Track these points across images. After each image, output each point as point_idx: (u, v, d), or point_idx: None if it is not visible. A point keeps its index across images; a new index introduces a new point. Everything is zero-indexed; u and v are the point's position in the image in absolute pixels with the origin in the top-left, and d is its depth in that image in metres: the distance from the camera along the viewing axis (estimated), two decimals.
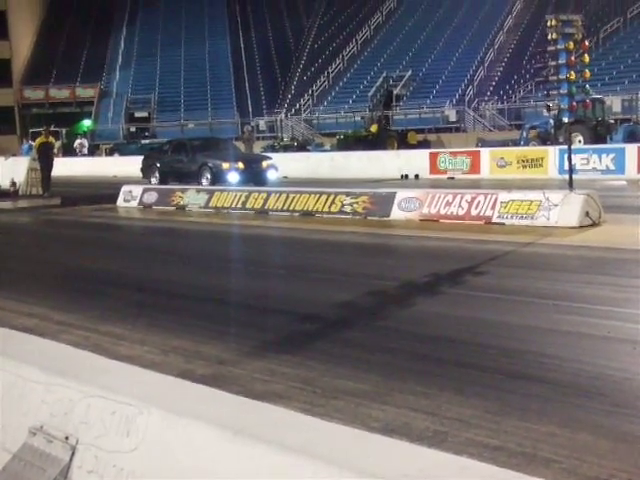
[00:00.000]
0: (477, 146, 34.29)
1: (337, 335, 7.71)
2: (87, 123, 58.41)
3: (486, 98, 47.50)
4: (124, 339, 7.84)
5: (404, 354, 6.91)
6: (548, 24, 15.06)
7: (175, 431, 2.82)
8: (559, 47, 14.81)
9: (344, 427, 2.78)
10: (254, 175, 26.09)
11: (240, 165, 25.90)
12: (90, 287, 10.88)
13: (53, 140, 28.70)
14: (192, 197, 20.80)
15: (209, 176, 25.86)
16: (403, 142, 41.84)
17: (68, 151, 49.93)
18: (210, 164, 26.04)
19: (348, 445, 2.54)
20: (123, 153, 48.55)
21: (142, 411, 2.95)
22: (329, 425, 2.89)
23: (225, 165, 25.78)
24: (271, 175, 26.63)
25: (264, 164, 26.85)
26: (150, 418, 2.91)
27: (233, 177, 25.55)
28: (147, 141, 51.30)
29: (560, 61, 14.94)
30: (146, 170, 28.80)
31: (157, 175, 28.00)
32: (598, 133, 29.99)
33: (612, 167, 25.25)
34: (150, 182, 27.41)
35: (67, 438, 3.23)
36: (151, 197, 21.89)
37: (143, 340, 7.75)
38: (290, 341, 7.55)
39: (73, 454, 3.17)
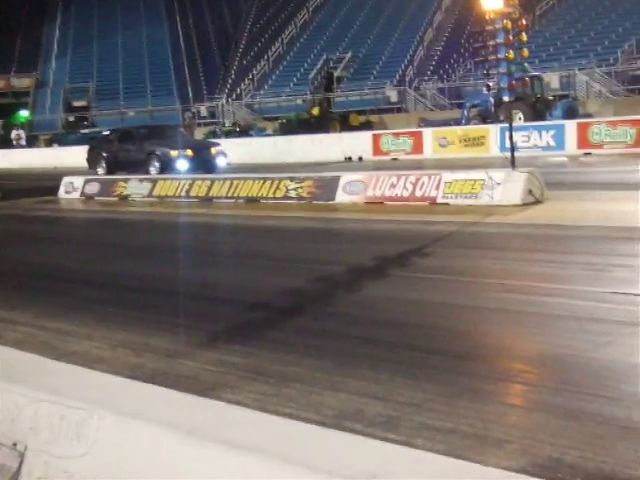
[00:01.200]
0: (419, 126, 34.44)
1: (287, 323, 7.70)
2: (24, 114, 57.38)
3: (426, 78, 47.69)
4: (71, 335, 7.74)
5: (355, 340, 6.92)
6: (485, 4, 15.17)
7: (127, 434, 2.78)
8: (497, 26, 14.92)
9: (299, 424, 2.76)
10: (203, 162, 25.90)
11: (188, 152, 25.69)
12: (34, 282, 10.71)
13: None
14: (135, 187, 20.58)
15: (157, 164, 25.62)
16: (345, 124, 41.81)
17: (5, 143, 49.04)
18: (158, 152, 25.78)
19: (303, 442, 2.52)
20: (62, 143, 47.84)
21: (92, 415, 2.91)
22: (284, 422, 2.87)
23: (173, 153, 25.54)
24: (220, 162, 26.45)
25: (213, 151, 26.68)
26: (101, 422, 2.87)
27: (182, 165, 25.33)
28: (87, 130, 50.59)
29: (498, 40, 15.05)
30: (92, 160, 28.42)
31: (104, 165, 27.66)
32: (537, 110, 30.30)
33: (552, 143, 25.56)
34: (97, 173, 27.04)
35: (15, 445, 3.17)
36: (93, 188, 21.61)
37: (91, 335, 7.66)
38: (240, 330, 7.52)
39: (22, 461, 3.11)
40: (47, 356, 6.95)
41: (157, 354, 6.89)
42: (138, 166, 25.83)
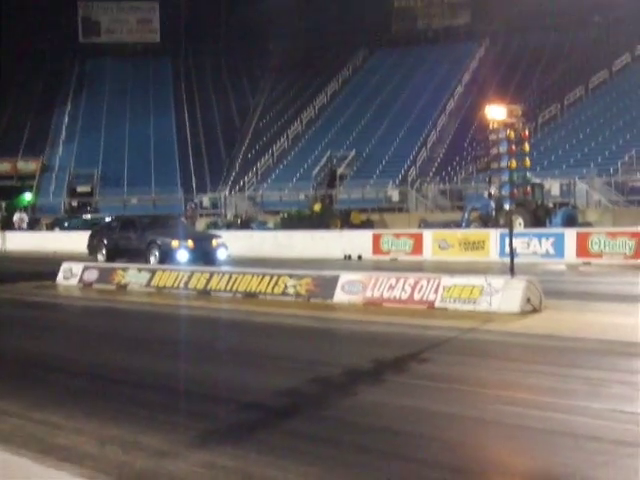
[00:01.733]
0: (420, 227, 34.64)
1: (280, 425, 7.60)
2: (28, 197, 57.80)
3: (428, 179, 48.24)
4: (60, 428, 7.63)
5: (348, 446, 6.82)
6: (489, 114, 15.44)
7: None
8: (500, 136, 15.16)
9: None
10: (204, 254, 25.90)
11: (189, 243, 25.70)
12: (26, 371, 10.59)
13: None
14: (133, 276, 20.55)
15: (157, 254, 25.60)
16: (346, 221, 42.06)
17: (7, 225, 49.25)
18: (159, 242, 25.80)
19: None
20: (64, 228, 48.01)
21: None
22: None
23: (174, 243, 25.56)
24: (221, 254, 26.40)
25: (214, 243, 26.65)
26: None
27: (182, 255, 25.32)
28: (89, 216, 50.85)
29: (501, 149, 15.29)
30: (92, 247, 28.40)
31: (104, 252, 27.60)
32: (538, 217, 30.52)
33: (552, 251, 25.63)
34: (97, 259, 27.01)
35: None
36: (92, 275, 21.57)
37: (80, 429, 7.55)
38: (231, 431, 7.42)
39: None
40: (33, 450, 6.88)
41: (147, 452, 6.79)
42: (138, 255, 25.84)
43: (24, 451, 6.82)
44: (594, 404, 7.78)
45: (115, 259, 26.53)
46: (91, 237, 29.10)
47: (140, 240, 26.30)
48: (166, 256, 25.34)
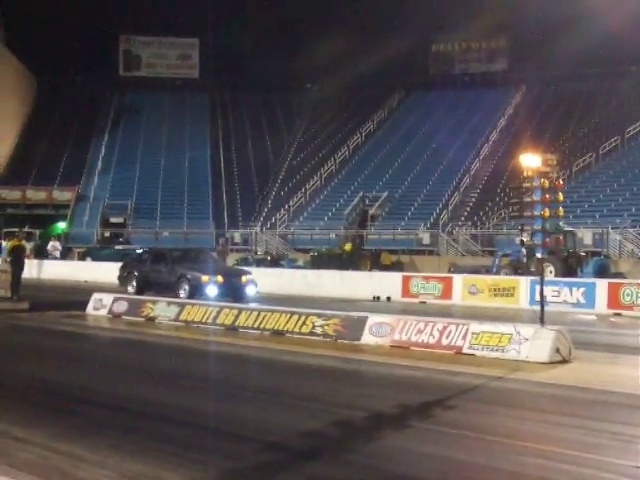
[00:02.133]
0: (450, 271, 34.53)
1: (302, 468, 7.57)
2: (62, 226, 58.35)
3: (460, 223, 48.14)
4: (84, 461, 7.66)
5: None
6: (523, 162, 15.42)
7: None
8: (534, 184, 15.12)
9: None
10: (233, 290, 25.96)
11: (219, 279, 25.78)
12: (52, 402, 10.65)
13: (25, 243, 28.53)
14: (162, 309, 20.62)
15: (187, 288, 25.64)
16: (376, 262, 42.02)
17: (41, 253, 49.70)
18: (189, 276, 25.88)
19: None
20: (96, 258, 48.34)
21: None
22: None
23: (204, 278, 25.63)
24: (250, 290, 26.46)
25: (243, 279, 26.71)
26: None
27: (211, 290, 25.37)
28: (120, 247, 51.18)
29: (535, 198, 15.22)
30: (123, 279, 28.52)
31: (134, 284, 27.70)
32: (569, 265, 30.33)
33: (582, 301, 25.43)
34: (127, 291, 27.12)
35: None
36: (121, 306, 21.69)
37: (103, 463, 7.57)
38: (253, 471, 7.43)
39: None
40: None
41: None
42: (168, 288, 25.94)
43: None
44: (620, 460, 7.68)
45: (145, 291, 26.64)
46: (122, 269, 29.24)
47: (170, 273, 26.41)
48: (196, 290, 25.39)
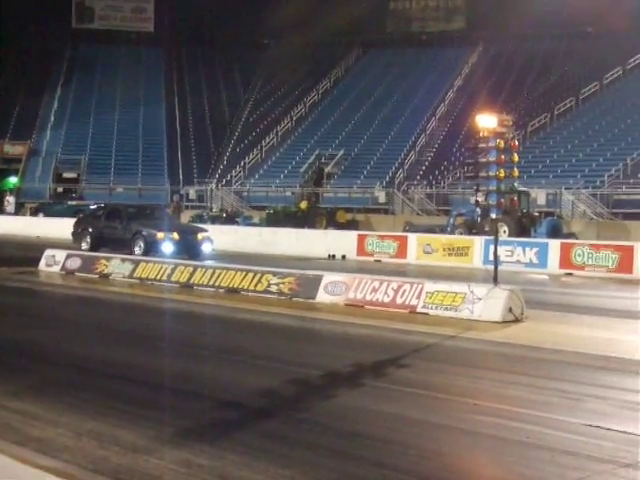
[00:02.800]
0: (405, 230, 34.70)
1: (257, 426, 7.61)
2: (13, 180, 57.47)
3: (415, 182, 48.28)
4: (37, 419, 7.61)
5: (324, 450, 6.83)
6: (479, 123, 15.49)
7: None
8: (489, 145, 15.21)
9: None
10: (188, 247, 25.83)
11: (175, 236, 25.63)
12: (4, 359, 10.54)
13: None
14: (117, 266, 20.48)
15: (142, 245, 25.47)
16: (332, 220, 42.13)
17: None
18: (144, 233, 25.70)
19: None
20: (48, 214, 47.84)
21: None
22: None
23: (159, 235, 25.45)
24: (206, 248, 26.37)
25: (199, 236, 26.59)
26: None
27: (167, 247, 25.25)
28: (74, 203, 50.72)
29: (490, 158, 15.33)
30: (77, 235, 28.14)
31: (88, 240, 27.32)
32: (523, 225, 30.63)
33: (535, 261, 25.72)
34: (81, 247, 26.78)
35: None
36: (74, 263, 21.49)
37: (57, 421, 7.53)
38: (209, 430, 7.43)
39: None
40: (8, 440, 6.86)
41: (124, 448, 6.77)
42: (123, 245, 25.72)
43: None
44: (571, 418, 7.82)
45: (99, 248, 26.30)
46: (76, 224, 28.89)
47: (125, 230, 26.20)
48: (151, 247, 25.25)
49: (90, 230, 27.56)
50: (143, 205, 35.27)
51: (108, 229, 26.98)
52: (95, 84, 69.51)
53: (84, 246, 27.07)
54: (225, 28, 73.79)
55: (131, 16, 79.89)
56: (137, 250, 25.31)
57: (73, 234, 28.52)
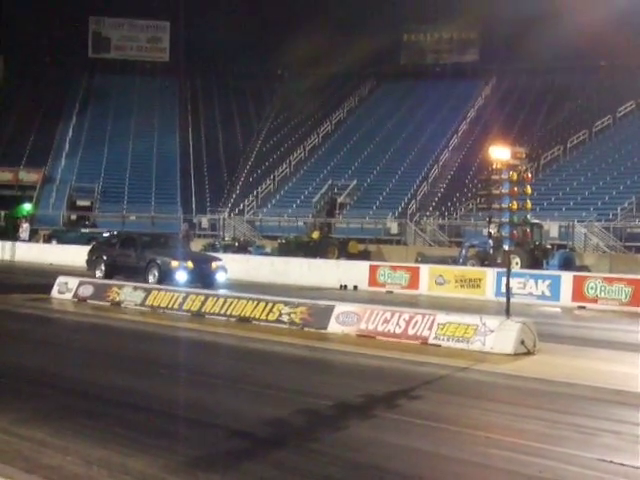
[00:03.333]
0: (417, 261, 34.64)
1: (268, 456, 7.57)
2: (27, 207, 57.77)
3: (428, 213, 48.31)
4: (46, 446, 7.59)
5: None
6: (492, 154, 15.50)
7: None
8: (502, 177, 15.21)
9: None
10: (202, 276, 25.70)
11: (189, 264, 25.52)
12: (15, 385, 10.54)
13: None
14: (128, 294, 20.50)
15: (156, 273, 25.34)
16: (344, 250, 42.10)
17: (5, 234, 49.25)
18: (159, 261, 25.60)
19: None
20: (61, 241, 48.01)
21: None
22: None
23: (174, 263, 25.38)
24: (220, 277, 26.22)
25: (213, 265, 26.48)
26: None
27: (181, 276, 25.13)
28: (87, 230, 50.91)
29: (503, 190, 15.32)
30: (91, 262, 28.07)
31: (102, 268, 27.26)
32: (535, 257, 30.56)
33: (548, 293, 25.61)
34: (95, 275, 26.75)
35: None
36: (87, 290, 21.52)
37: (67, 448, 7.50)
38: (219, 459, 7.40)
39: None
40: (17, 467, 6.84)
41: (133, 476, 6.75)
42: (137, 273, 25.66)
43: (9, 468, 6.79)
44: (584, 453, 7.75)
45: (113, 276, 26.28)
46: (91, 252, 28.83)
47: (140, 258, 26.10)
48: (165, 276, 25.14)
49: (104, 258, 27.52)
50: (157, 234, 35.30)
51: (122, 257, 26.93)
52: (110, 113, 70.07)
53: (98, 274, 27.07)
54: (239, 59, 74.38)
55: (147, 46, 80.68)
56: (151, 278, 25.23)
57: (87, 262, 28.50)
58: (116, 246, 28.10)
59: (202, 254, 33.97)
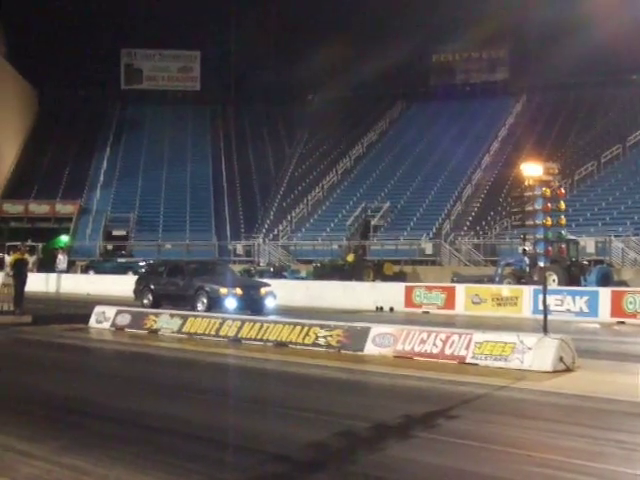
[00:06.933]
0: (452, 281, 34.48)
1: (307, 479, 7.53)
2: (64, 239, 58.40)
3: (462, 233, 48.11)
4: (87, 474, 7.62)
5: None
6: (525, 171, 15.44)
7: None
8: (536, 193, 15.14)
9: None
10: (252, 302, 25.53)
11: (238, 291, 25.35)
12: (55, 414, 10.61)
13: (28, 257, 28.42)
14: (165, 321, 20.60)
15: (205, 301, 25.22)
16: (379, 272, 42.05)
17: (43, 266, 49.79)
18: (207, 289, 25.45)
19: None
20: (98, 271, 48.43)
21: None
22: None
23: (223, 290, 25.20)
24: (269, 303, 26.05)
25: (262, 291, 26.29)
26: None
27: (230, 303, 24.95)
28: (123, 260, 51.29)
29: (537, 207, 15.24)
30: (139, 292, 27.93)
31: (150, 297, 27.16)
32: (572, 274, 30.30)
33: (586, 310, 25.39)
34: (143, 304, 26.66)
35: None
36: (124, 319, 21.66)
37: (106, 476, 7.54)
38: None
39: None
40: None
41: None
42: (185, 301, 25.53)
43: None
44: (626, 469, 7.66)
45: (161, 305, 26.12)
46: (138, 282, 28.74)
47: (188, 286, 25.93)
48: (214, 303, 25.01)
49: (152, 287, 27.39)
50: (204, 261, 35.27)
51: (170, 286, 26.75)
52: (143, 143, 70.82)
53: (146, 303, 26.97)
54: (269, 84, 74.91)
55: (178, 76, 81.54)
56: (200, 306, 25.11)
57: (135, 291, 28.33)
58: (163, 274, 27.84)
59: (251, 280, 33.80)
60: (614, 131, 55.73)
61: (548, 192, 15.49)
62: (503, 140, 61.26)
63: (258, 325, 18.46)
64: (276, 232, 55.59)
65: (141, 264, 46.11)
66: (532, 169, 15.87)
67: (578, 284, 29.24)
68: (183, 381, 13.73)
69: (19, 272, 25.13)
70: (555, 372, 13.28)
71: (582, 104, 63.19)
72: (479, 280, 33.04)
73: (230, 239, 56.66)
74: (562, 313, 24.87)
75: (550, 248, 28.33)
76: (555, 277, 29.44)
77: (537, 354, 13.56)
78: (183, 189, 64.11)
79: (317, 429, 9.52)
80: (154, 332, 20.43)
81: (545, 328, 14.08)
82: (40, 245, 55.21)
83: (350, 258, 43.75)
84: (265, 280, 31.04)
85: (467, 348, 14.55)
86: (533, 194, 15.66)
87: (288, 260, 50.64)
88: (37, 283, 38.37)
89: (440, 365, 14.40)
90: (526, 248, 29.22)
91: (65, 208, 61.28)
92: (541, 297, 16.01)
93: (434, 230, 49.45)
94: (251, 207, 62.69)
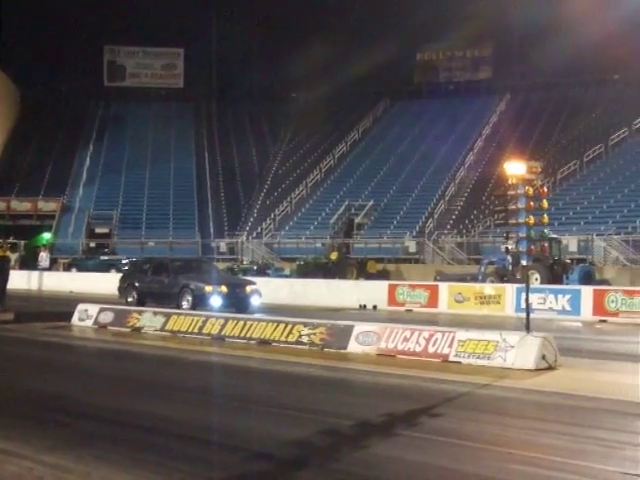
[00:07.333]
0: (436, 279, 34.59)
1: (290, 477, 7.56)
2: (47, 236, 58.13)
3: (446, 231, 48.24)
4: (69, 472, 7.61)
5: None
6: (508, 170, 15.50)
7: None
8: (519, 192, 15.20)
9: None
10: (237, 300, 25.45)
11: (223, 289, 25.28)
12: (37, 412, 10.56)
13: (10, 254, 28.24)
14: (148, 319, 20.54)
15: (190, 299, 25.13)
16: (363, 270, 42.11)
17: (25, 263, 49.55)
18: (192, 286, 25.38)
19: None
20: (81, 269, 48.26)
21: None
22: None
23: (208, 288, 25.12)
24: (255, 301, 25.99)
25: (248, 289, 26.22)
26: None
27: (215, 301, 24.86)
28: (106, 257, 51.13)
29: (519, 205, 15.30)
30: (123, 290, 27.77)
31: (135, 295, 26.99)
32: (555, 272, 30.44)
33: (568, 308, 25.52)
34: (127, 302, 26.51)
35: None
36: (107, 317, 21.58)
37: (89, 474, 7.53)
38: None
39: None
40: None
41: None
42: (170, 299, 25.40)
43: None
44: (606, 466, 7.70)
45: (146, 302, 26.00)
46: (122, 279, 28.60)
47: (173, 284, 25.84)
48: (199, 301, 24.92)
49: (136, 285, 27.27)
50: (189, 258, 35.17)
51: (155, 283, 26.62)
52: (126, 140, 70.55)
53: (130, 300, 26.80)
54: (253, 82, 74.85)
55: (161, 73, 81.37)
56: (185, 304, 25.02)
57: (119, 289, 28.16)
58: (148, 272, 27.67)
59: (236, 278, 33.70)
60: (597, 130, 55.99)
61: (531, 191, 15.57)
62: (486, 139, 61.45)
63: (242, 323, 18.45)
64: (260, 230, 55.55)
65: (124, 262, 45.98)
66: (515, 168, 15.96)
67: (560, 283, 29.38)
68: (166, 379, 13.71)
69: (1, 269, 24.98)
70: (537, 370, 13.35)
71: (565, 103, 63.48)
72: (462, 278, 33.17)
73: (213, 237, 56.56)
74: (544, 311, 24.97)
75: (533, 247, 28.54)
76: (538, 275, 29.56)
77: (520, 352, 13.62)
78: (166, 187, 63.91)
79: (300, 427, 9.53)
80: (137, 330, 20.37)
81: (528, 326, 14.14)
82: (22, 242, 54.97)
83: (334, 256, 43.81)
84: (249, 278, 31.03)
85: (450, 346, 14.60)
86: (516, 193, 15.74)
87: (272, 258, 50.63)
88: (19, 281, 38.13)
89: (423, 363, 14.44)
90: (509, 247, 29.40)
91: (47, 205, 60.96)
92: (524, 295, 16.09)
93: (417, 228, 49.57)
94: (235, 205, 62.58)
